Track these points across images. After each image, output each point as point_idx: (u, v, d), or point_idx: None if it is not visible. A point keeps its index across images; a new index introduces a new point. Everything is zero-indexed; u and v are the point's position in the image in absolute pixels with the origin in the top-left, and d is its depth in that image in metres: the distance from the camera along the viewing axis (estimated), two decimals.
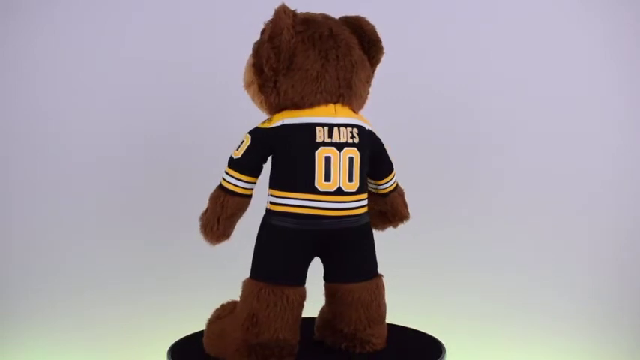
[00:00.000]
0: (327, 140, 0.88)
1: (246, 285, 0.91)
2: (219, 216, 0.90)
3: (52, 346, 1.45)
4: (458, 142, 1.47)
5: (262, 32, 0.93)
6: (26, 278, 1.45)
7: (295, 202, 0.87)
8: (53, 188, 1.45)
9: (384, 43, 0.96)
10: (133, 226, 1.46)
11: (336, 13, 0.97)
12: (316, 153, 0.87)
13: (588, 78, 1.46)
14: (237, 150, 0.90)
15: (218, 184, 0.91)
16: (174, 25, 1.46)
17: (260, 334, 0.87)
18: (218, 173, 0.98)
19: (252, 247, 0.93)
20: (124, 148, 1.47)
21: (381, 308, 0.94)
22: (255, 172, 0.91)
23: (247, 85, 0.95)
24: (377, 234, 0.97)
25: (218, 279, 1.42)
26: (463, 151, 1.47)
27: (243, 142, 0.90)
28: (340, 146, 0.88)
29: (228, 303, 0.96)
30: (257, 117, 0.98)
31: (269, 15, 0.92)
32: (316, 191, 0.87)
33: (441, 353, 0.93)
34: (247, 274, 1.01)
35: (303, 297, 0.90)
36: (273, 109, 0.92)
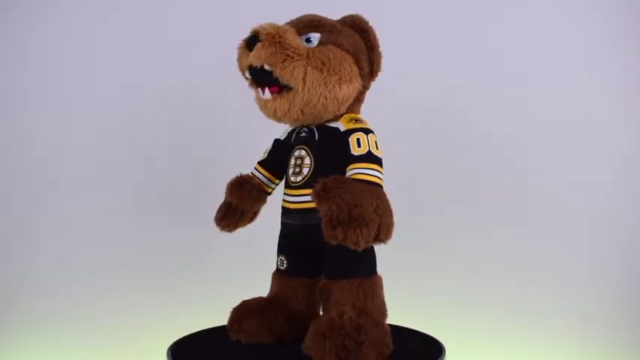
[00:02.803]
0: None
1: (378, 281, 0.92)
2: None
3: (51, 346, 1.45)
4: (459, 142, 1.47)
5: (340, 30, 0.94)
6: (26, 278, 1.45)
7: None
8: (53, 188, 1.46)
9: (385, 42, 0.98)
10: (133, 226, 1.46)
11: (334, 13, 0.97)
12: None
13: (588, 77, 1.46)
14: (376, 149, 0.89)
15: (368, 182, 0.85)
16: (177, 26, 1.46)
17: None
18: (218, 173, 0.98)
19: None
20: (125, 148, 1.47)
21: None
22: None
23: (346, 82, 0.91)
24: None
25: (218, 279, 1.43)
26: (463, 151, 1.47)
27: (376, 141, 0.89)
28: None
29: (352, 312, 0.87)
30: (258, 119, 0.98)
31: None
32: None
33: (441, 353, 0.93)
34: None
35: None
36: (341, 112, 0.93)
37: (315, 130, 0.93)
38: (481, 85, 1.46)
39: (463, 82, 1.46)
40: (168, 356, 0.93)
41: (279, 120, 0.94)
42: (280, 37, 0.87)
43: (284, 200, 0.95)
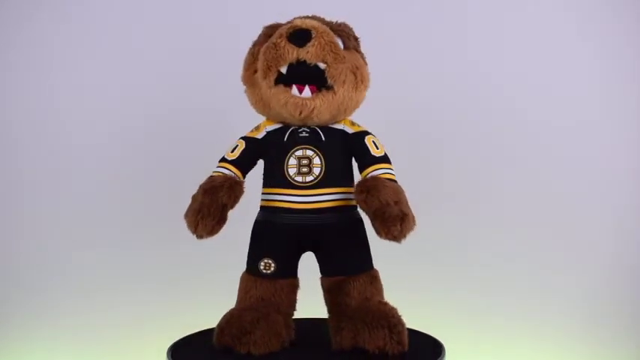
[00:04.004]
0: None
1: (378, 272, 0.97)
2: None
3: (51, 345, 1.45)
4: (461, 138, 1.46)
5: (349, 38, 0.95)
6: (25, 279, 1.45)
7: None
8: (52, 188, 1.46)
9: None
10: (134, 226, 1.46)
11: (336, 12, 0.97)
12: None
13: (588, 77, 1.46)
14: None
15: (392, 181, 0.91)
16: (177, 26, 1.46)
17: None
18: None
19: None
20: (124, 145, 1.46)
21: None
22: None
23: (366, 87, 0.96)
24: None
25: (218, 279, 1.43)
26: (464, 148, 1.47)
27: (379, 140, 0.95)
28: None
29: (386, 300, 0.95)
30: (258, 120, 0.98)
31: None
32: None
33: (441, 353, 0.93)
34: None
35: None
36: (349, 116, 0.98)
37: (320, 131, 0.93)
38: (481, 85, 1.46)
39: (463, 82, 1.46)
40: (168, 356, 0.93)
41: (306, 119, 0.91)
42: (332, 36, 0.89)
43: (280, 200, 0.93)
